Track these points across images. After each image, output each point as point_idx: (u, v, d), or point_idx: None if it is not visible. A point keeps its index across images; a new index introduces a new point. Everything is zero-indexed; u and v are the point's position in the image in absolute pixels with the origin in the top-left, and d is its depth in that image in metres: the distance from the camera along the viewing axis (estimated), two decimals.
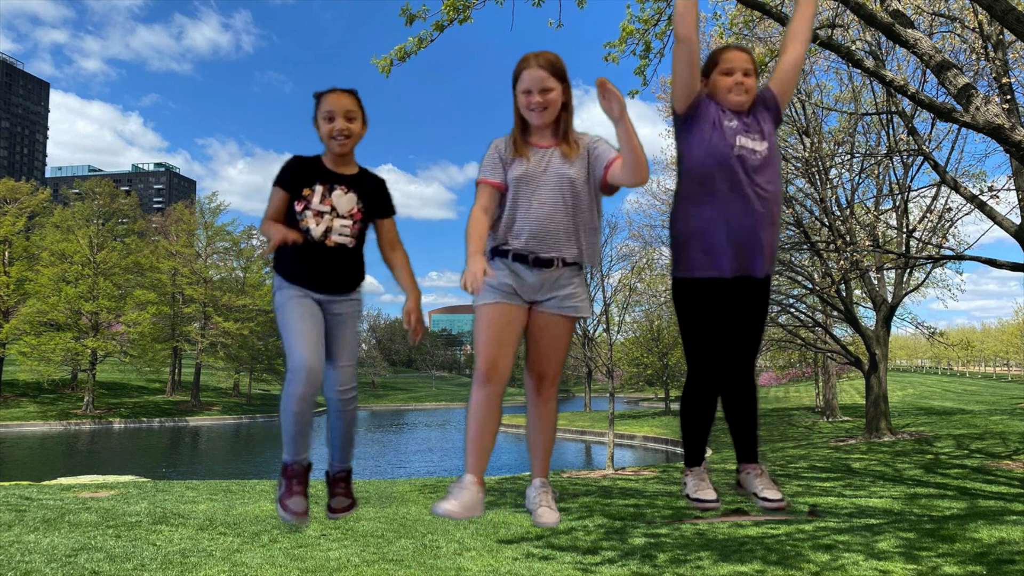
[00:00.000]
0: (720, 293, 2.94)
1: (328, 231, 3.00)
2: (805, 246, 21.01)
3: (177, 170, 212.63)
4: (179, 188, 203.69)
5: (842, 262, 17.31)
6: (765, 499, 2.97)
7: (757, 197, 2.89)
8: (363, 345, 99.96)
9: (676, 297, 3.04)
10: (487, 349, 2.88)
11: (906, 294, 22.26)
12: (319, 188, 3.02)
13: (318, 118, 3.05)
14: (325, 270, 3.03)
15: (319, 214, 3.01)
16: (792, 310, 25.62)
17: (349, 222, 3.03)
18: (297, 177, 3.06)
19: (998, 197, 12.97)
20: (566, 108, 2.94)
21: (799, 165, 20.05)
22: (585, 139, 2.97)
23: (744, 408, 3.07)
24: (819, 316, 25.91)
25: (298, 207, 3.02)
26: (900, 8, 6.88)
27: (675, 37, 2.99)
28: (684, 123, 3.02)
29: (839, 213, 20.48)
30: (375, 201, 3.12)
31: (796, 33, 3.15)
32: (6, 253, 52.80)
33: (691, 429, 3.11)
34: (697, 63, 2.99)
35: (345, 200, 3.04)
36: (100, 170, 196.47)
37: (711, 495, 3.04)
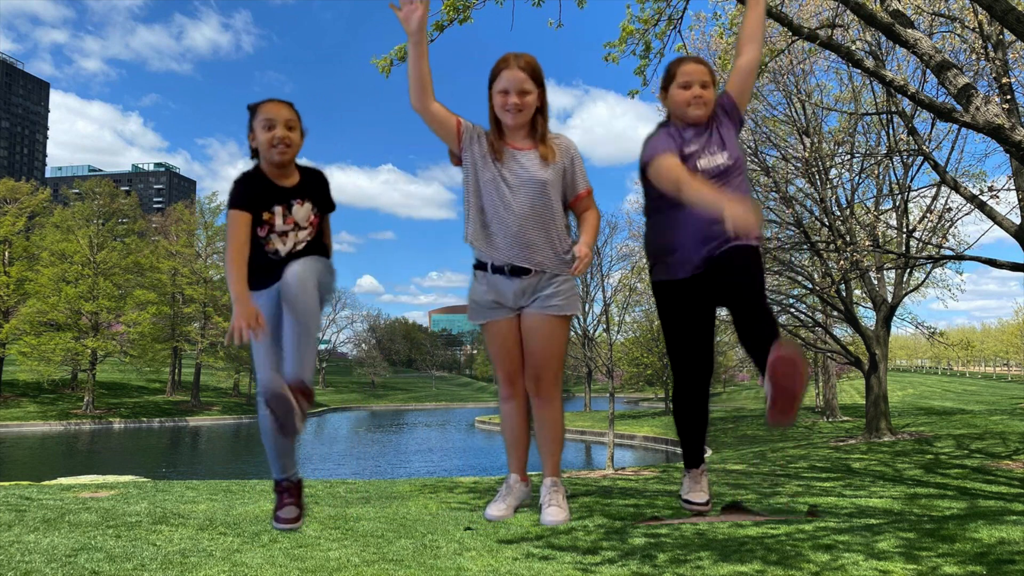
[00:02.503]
0: (690, 290, 2.92)
1: (295, 246, 3.02)
2: (805, 246, 21.01)
3: (177, 170, 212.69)
4: (179, 188, 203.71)
5: (842, 262, 17.32)
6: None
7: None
8: (363, 345, 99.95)
9: (656, 301, 3.08)
10: (500, 367, 3.06)
11: (906, 294, 22.26)
12: (279, 210, 2.98)
13: (255, 127, 2.98)
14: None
15: (284, 234, 2.99)
16: (792, 310, 25.62)
17: (308, 229, 3.05)
18: (256, 198, 2.97)
19: (998, 197, 12.98)
20: (541, 112, 2.95)
21: (799, 165, 20.05)
22: (563, 146, 2.97)
23: (762, 329, 2.72)
24: (819, 316, 25.91)
25: (261, 232, 2.96)
26: (900, 8, 6.88)
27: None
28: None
29: (839, 213, 20.48)
30: (322, 199, 3.11)
31: (750, 35, 3.09)
32: (6, 253, 52.82)
33: (684, 431, 3.13)
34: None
35: (303, 211, 3.03)
36: (100, 170, 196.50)
37: (701, 498, 3.07)
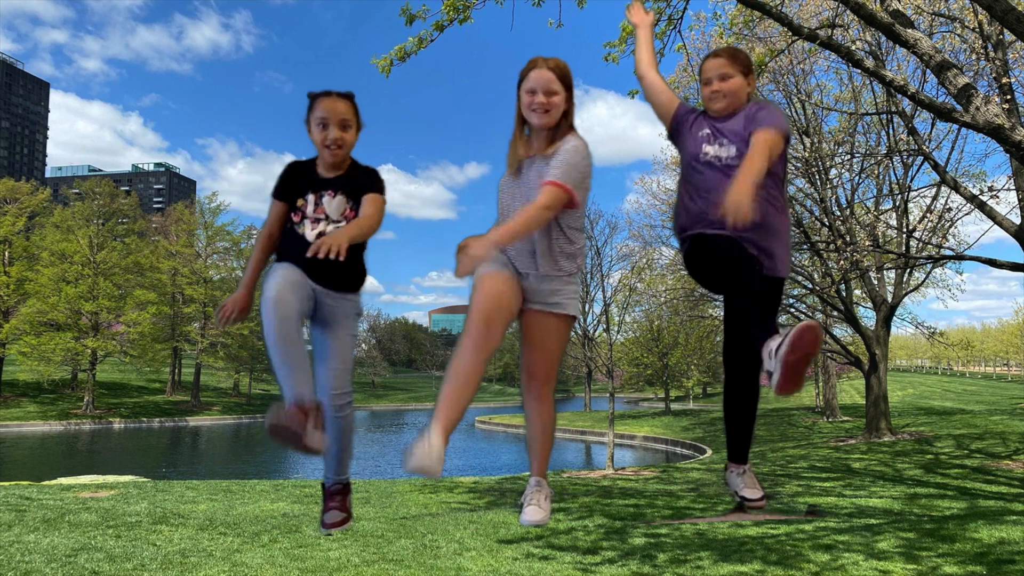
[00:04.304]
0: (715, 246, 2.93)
1: (322, 235, 2.93)
2: (805, 246, 21.01)
3: (177, 170, 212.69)
4: (179, 188, 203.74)
5: (842, 262, 17.32)
6: (744, 497, 3.11)
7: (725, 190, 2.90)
8: (363, 345, 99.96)
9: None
10: (483, 304, 2.64)
11: (906, 294, 22.27)
12: (311, 197, 3.00)
13: (311, 122, 2.99)
14: (323, 274, 2.97)
15: (315, 221, 2.99)
16: (792, 310, 25.62)
17: (343, 223, 2.97)
18: (291, 188, 3.04)
19: (998, 197, 12.98)
20: (567, 117, 2.93)
21: (799, 165, 20.05)
22: (561, 141, 2.88)
23: (742, 403, 3.13)
24: (819, 316, 25.91)
25: (295, 218, 3.01)
26: (900, 8, 6.88)
27: (637, 76, 3.42)
28: (673, 138, 3.25)
29: (839, 213, 20.48)
30: (362, 187, 3.03)
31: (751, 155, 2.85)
32: (6, 253, 52.81)
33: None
34: (664, 90, 3.30)
35: (335, 204, 2.98)
36: (100, 170, 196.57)
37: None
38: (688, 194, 3.02)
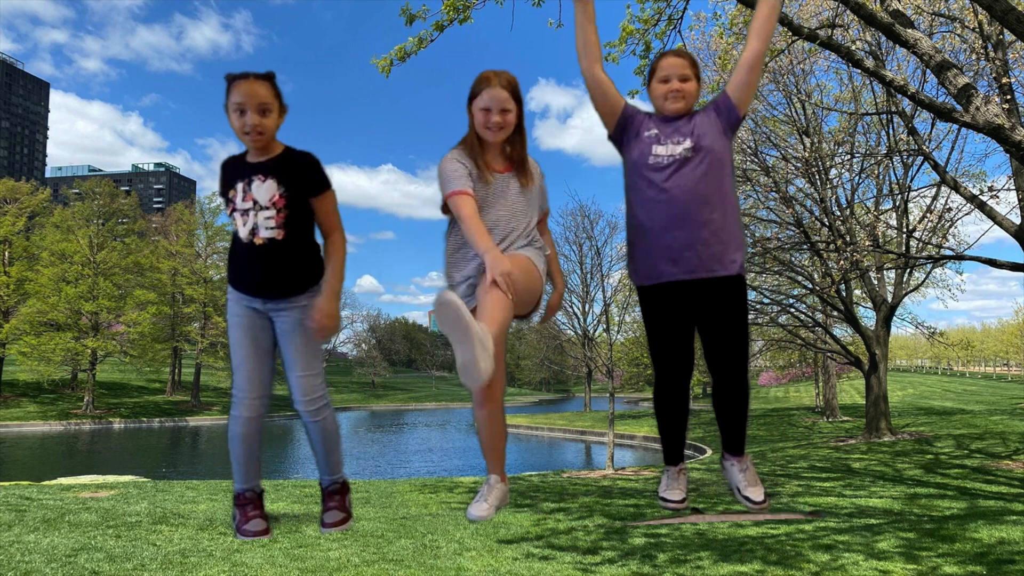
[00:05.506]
0: (666, 298, 2.93)
1: (255, 229, 2.78)
2: (805, 246, 21.00)
3: (177, 170, 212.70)
4: (179, 188, 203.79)
5: (842, 262, 17.31)
6: (747, 498, 3.00)
7: (671, 200, 2.84)
8: (363, 345, 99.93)
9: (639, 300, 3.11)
10: None
11: (906, 294, 22.26)
12: (240, 186, 2.81)
13: (228, 108, 2.78)
14: (262, 274, 2.81)
15: (244, 212, 2.79)
16: (792, 310, 25.62)
17: (272, 212, 2.77)
18: (226, 183, 2.88)
19: (998, 197, 12.97)
20: (520, 131, 2.95)
21: (799, 165, 20.05)
22: (535, 171, 3.01)
23: (730, 402, 3.02)
24: (819, 316, 25.90)
25: (227, 212, 2.86)
26: (900, 8, 6.88)
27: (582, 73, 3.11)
28: (617, 142, 3.07)
29: (839, 213, 20.47)
30: (301, 181, 2.80)
31: (754, 28, 2.98)
32: (6, 253, 52.82)
33: (663, 430, 3.16)
34: (608, 87, 3.02)
35: (264, 189, 2.77)
36: (100, 170, 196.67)
37: (677, 496, 3.06)
38: (638, 205, 2.92)
